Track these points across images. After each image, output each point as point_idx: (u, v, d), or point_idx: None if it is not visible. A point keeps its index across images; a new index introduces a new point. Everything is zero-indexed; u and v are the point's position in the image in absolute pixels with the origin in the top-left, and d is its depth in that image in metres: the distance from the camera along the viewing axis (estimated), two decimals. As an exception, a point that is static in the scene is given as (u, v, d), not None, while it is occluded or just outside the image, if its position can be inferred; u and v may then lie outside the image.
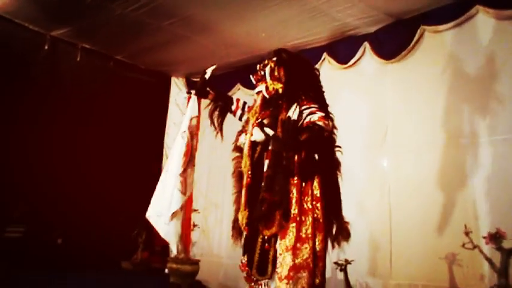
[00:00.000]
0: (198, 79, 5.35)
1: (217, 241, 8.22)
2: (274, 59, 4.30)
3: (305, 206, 3.93)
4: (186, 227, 8.32)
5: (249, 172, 4.12)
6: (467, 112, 5.63)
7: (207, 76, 4.83)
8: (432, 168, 5.85)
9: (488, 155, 5.45)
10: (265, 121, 4.14)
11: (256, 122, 4.14)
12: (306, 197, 3.96)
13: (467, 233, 4.90)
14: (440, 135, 5.84)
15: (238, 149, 4.43)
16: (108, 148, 8.06)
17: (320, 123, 3.87)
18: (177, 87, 9.16)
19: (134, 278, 7.66)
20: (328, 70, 6.79)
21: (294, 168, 3.95)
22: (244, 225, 4.06)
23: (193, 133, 4.82)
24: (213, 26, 6.90)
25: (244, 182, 4.14)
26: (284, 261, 3.84)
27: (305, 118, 3.94)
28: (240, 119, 4.66)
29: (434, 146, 5.85)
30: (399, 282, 5.83)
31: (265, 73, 4.26)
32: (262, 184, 4.00)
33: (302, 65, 4.43)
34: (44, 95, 7.57)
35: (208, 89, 4.78)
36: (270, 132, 3.98)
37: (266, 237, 3.97)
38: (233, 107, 4.69)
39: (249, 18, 6.59)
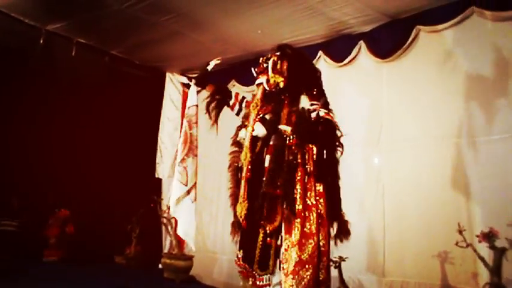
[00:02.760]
0: (194, 74, 5.41)
1: (211, 236, 8.24)
2: (278, 53, 4.39)
3: (308, 202, 4.01)
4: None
5: (249, 166, 4.19)
6: (462, 111, 5.66)
7: (209, 68, 4.92)
8: (426, 166, 5.89)
9: (483, 155, 5.48)
10: (267, 116, 4.19)
11: (258, 117, 4.18)
12: (310, 193, 4.01)
13: (460, 232, 4.92)
14: (434, 134, 5.87)
15: (237, 143, 4.49)
16: (102, 143, 8.05)
17: (329, 118, 3.96)
18: (172, 83, 9.17)
19: (128, 272, 7.66)
20: (323, 68, 6.76)
21: (299, 164, 4.02)
22: (242, 217, 4.12)
23: (191, 122, 4.83)
24: (209, 22, 6.90)
25: (244, 175, 4.20)
26: (290, 257, 3.90)
27: (310, 113, 4.01)
28: (238, 114, 4.69)
29: (429, 145, 5.89)
30: (392, 280, 5.87)
31: (267, 66, 4.36)
32: (264, 178, 4.05)
33: (305, 62, 4.53)
34: (39, 89, 7.54)
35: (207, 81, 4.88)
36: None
37: (268, 231, 4.02)
38: (231, 101, 4.75)
39: (245, 16, 6.59)
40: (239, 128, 4.55)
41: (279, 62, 4.34)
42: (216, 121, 4.82)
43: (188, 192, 4.84)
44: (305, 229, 3.94)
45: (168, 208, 8.29)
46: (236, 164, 4.46)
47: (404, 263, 5.82)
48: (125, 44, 7.96)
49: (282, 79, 4.28)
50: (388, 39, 6.34)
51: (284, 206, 3.97)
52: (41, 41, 7.35)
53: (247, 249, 4.16)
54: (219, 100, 4.80)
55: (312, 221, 3.97)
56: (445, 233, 5.40)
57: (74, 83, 7.88)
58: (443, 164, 5.73)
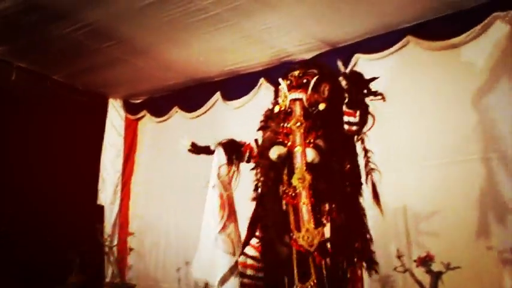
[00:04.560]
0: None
1: (153, 264, 8.14)
2: (315, 70, 4.21)
3: None
4: (122, 251, 8.26)
5: (311, 191, 3.88)
6: (399, 139, 5.78)
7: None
8: (366, 192, 5.95)
9: (421, 179, 5.64)
10: (319, 142, 3.98)
11: (312, 141, 4.00)
12: None
13: (399, 257, 5.00)
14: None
15: (268, 161, 4.07)
16: (43, 169, 7.90)
17: None
18: (115, 109, 9.11)
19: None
20: (265, 96, 6.83)
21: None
22: (314, 246, 3.80)
23: (226, 182, 4.24)
24: (151, 49, 6.91)
25: (306, 200, 3.87)
26: None
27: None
28: (248, 161, 4.47)
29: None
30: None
31: (307, 82, 4.12)
32: (328, 205, 3.93)
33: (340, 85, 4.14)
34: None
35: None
36: None
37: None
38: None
39: (187, 43, 6.63)
40: (271, 142, 4.13)
41: (320, 82, 4.12)
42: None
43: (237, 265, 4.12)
44: None
45: (109, 236, 8.24)
46: (270, 184, 4.06)
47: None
48: (67, 69, 7.86)
49: (323, 101, 4.06)
50: (329, 67, 6.43)
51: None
52: (-21, 66, 7.22)
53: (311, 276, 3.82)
54: (238, 158, 4.47)
55: None
56: (384, 258, 5.44)
57: (14, 108, 7.73)
58: (383, 189, 5.81)
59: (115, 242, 8.41)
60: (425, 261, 4.78)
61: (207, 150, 4.47)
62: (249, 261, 4.14)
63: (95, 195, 8.84)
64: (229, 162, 4.40)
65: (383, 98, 3.79)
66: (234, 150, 4.46)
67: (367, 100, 3.81)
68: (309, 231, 3.81)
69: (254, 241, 4.19)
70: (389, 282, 5.51)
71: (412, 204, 5.62)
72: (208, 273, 4.10)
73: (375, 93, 3.76)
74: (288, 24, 6.06)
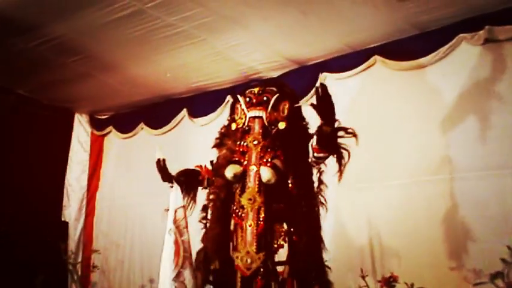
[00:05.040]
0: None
1: (118, 282, 8.04)
2: (275, 89, 4.12)
3: None
4: (86, 268, 8.15)
5: (262, 214, 3.77)
6: (363, 158, 5.76)
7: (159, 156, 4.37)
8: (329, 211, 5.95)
9: (385, 199, 5.63)
10: (277, 163, 3.85)
11: (268, 161, 3.87)
12: None
13: (363, 277, 4.99)
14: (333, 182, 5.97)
15: (222, 180, 3.98)
16: (7, 184, 7.78)
17: None
18: (80, 124, 9.03)
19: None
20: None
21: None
22: (252, 269, 3.68)
23: (181, 227, 4.17)
24: (118, 65, 6.86)
25: (252, 223, 3.75)
26: None
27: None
28: (207, 187, 4.34)
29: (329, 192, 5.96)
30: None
31: (267, 99, 4.03)
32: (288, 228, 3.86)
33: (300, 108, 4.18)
34: None
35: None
36: None
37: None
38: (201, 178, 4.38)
39: (153, 59, 6.59)
40: (226, 161, 4.01)
41: (281, 100, 4.03)
42: (194, 201, 4.43)
43: None
44: None
45: (73, 253, 8.11)
46: (219, 203, 3.95)
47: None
48: (32, 84, 7.76)
49: (283, 120, 3.98)
50: (296, 85, 6.40)
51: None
52: None
53: None
54: (196, 186, 4.42)
55: None
56: (348, 279, 5.44)
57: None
58: (345, 208, 5.82)
59: (79, 259, 8.30)
60: (389, 281, 4.79)
61: (169, 178, 4.35)
62: None
63: (59, 211, 8.73)
64: (186, 194, 4.33)
65: (354, 136, 3.66)
66: (192, 181, 4.38)
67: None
68: (249, 254, 3.70)
69: None
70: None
71: (376, 224, 5.60)
72: None
73: (346, 130, 3.64)
74: (256, 42, 6.07)
